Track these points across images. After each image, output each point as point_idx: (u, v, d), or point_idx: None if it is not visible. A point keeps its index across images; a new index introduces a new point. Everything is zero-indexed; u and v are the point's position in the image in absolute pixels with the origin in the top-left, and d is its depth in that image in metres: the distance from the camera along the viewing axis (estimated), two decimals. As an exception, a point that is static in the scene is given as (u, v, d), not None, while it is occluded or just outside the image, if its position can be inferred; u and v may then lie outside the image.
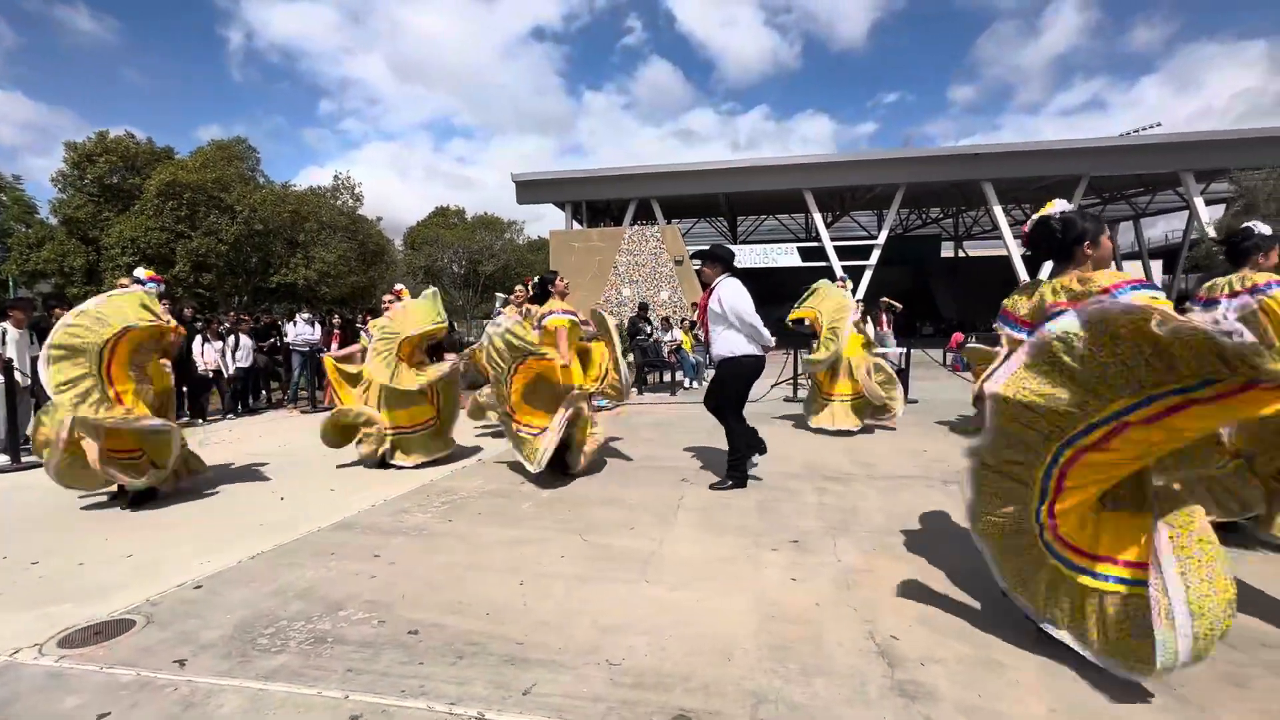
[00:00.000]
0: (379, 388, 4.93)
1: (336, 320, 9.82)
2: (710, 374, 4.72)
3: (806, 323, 6.56)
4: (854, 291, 18.79)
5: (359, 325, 5.69)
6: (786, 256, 22.03)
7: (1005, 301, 2.39)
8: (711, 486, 4.21)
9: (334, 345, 8.11)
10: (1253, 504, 2.89)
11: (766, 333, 4.18)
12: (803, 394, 8.65)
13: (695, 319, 9.99)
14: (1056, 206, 2.24)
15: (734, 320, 4.09)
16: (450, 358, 5.53)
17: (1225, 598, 1.68)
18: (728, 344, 4.16)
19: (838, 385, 6.21)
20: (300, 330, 9.38)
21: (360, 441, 4.96)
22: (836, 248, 20.64)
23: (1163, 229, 29.30)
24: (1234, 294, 3.01)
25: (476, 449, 5.77)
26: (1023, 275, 18.36)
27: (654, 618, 2.41)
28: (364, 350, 5.30)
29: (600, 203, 23.83)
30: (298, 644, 2.24)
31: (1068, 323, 1.82)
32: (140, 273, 4.32)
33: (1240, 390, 1.50)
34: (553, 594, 2.63)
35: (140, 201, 17.80)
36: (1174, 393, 1.64)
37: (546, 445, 4.23)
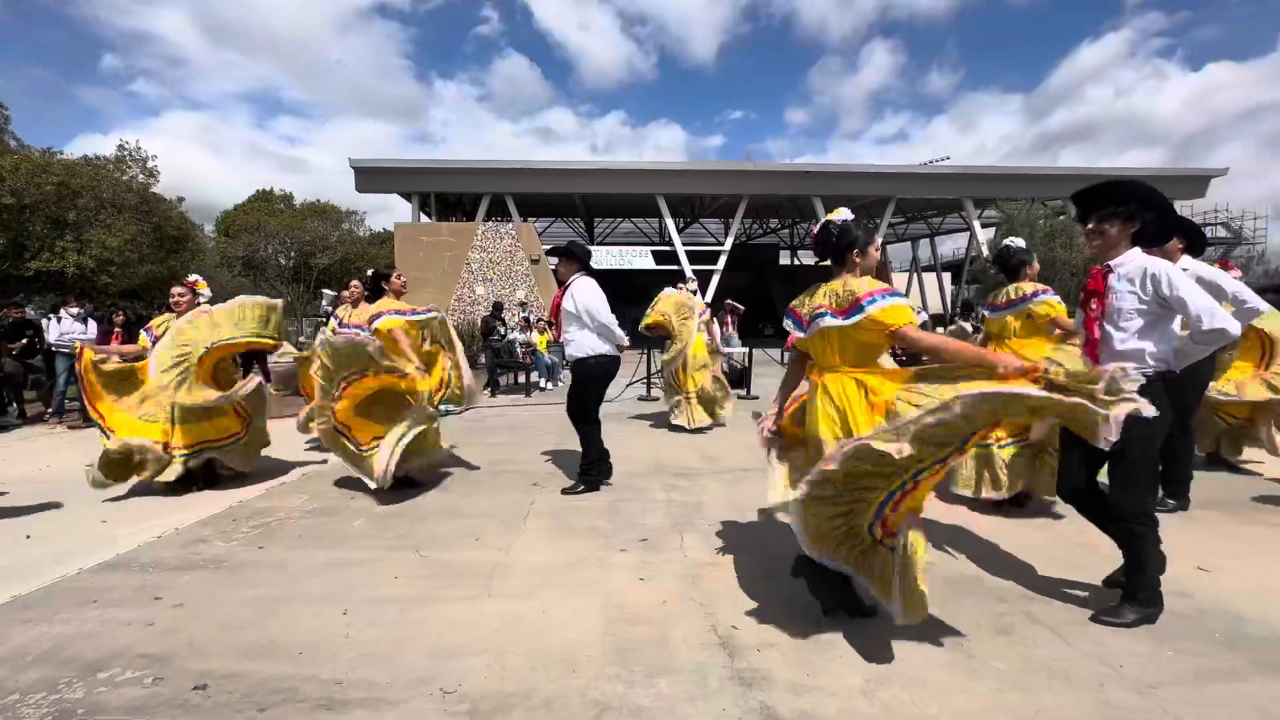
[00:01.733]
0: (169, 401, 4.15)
1: (120, 318, 8.24)
2: (567, 374, 4.63)
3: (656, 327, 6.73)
4: (702, 293, 19.83)
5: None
6: (641, 259, 22.60)
7: (794, 302, 2.47)
8: (563, 491, 4.12)
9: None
10: (1040, 488, 3.43)
11: (620, 332, 4.17)
12: (657, 393, 8.88)
13: (550, 318, 9.84)
14: (839, 214, 2.39)
15: (586, 319, 4.04)
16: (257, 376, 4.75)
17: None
18: (581, 344, 4.10)
19: (689, 380, 6.43)
20: (67, 328, 7.72)
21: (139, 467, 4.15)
22: (688, 252, 21.55)
23: (950, 246, 34.45)
24: (1010, 301, 3.55)
25: (301, 464, 5.12)
26: (846, 283, 20.53)
27: (495, 634, 2.27)
28: (141, 351, 4.35)
29: (451, 196, 22.65)
30: (32, 723, 1.78)
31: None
32: None
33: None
34: (381, 621, 2.37)
35: None
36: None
37: (387, 462, 3.84)
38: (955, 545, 3.09)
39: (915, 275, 32.32)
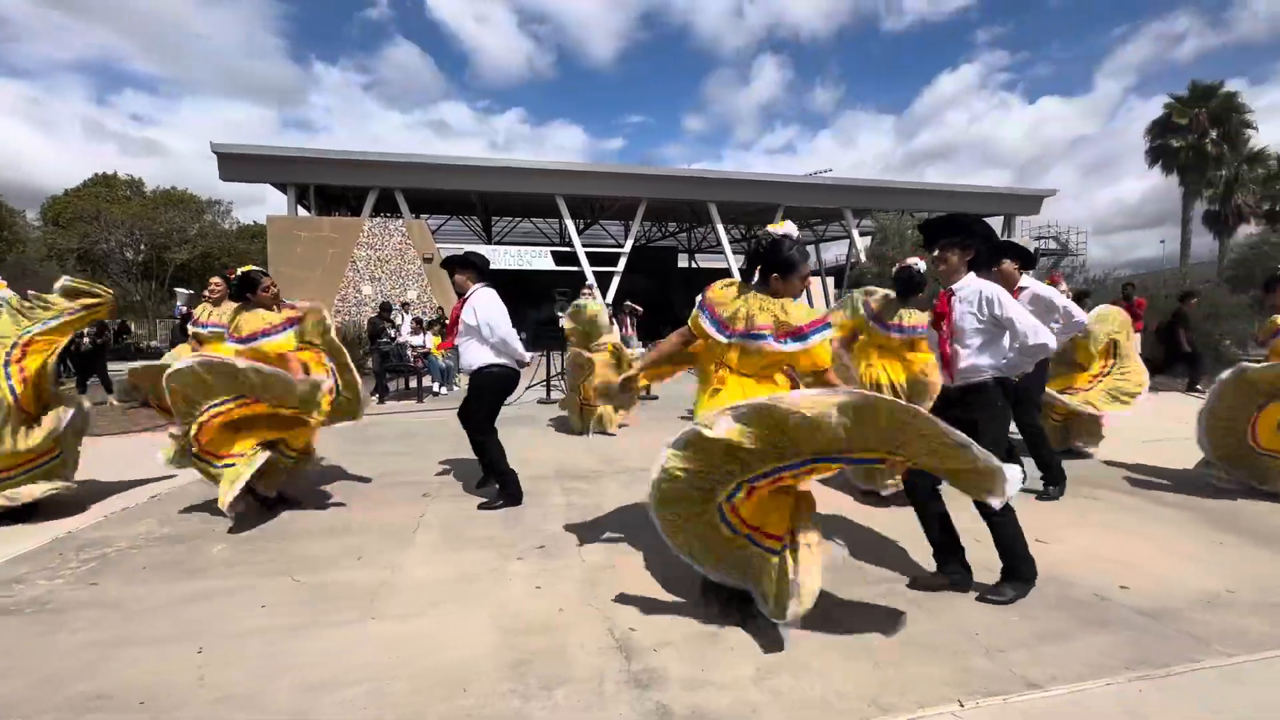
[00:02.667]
0: None
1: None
2: (461, 379, 4.40)
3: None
4: (601, 295, 19.89)
5: None
6: (541, 260, 22.25)
7: (710, 294, 2.49)
8: (480, 507, 3.85)
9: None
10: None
11: (520, 347, 3.97)
12: (556, 395, 8.77)
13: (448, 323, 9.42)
14: (782, 228, 2.42)
15: (487, 332, 3.84)
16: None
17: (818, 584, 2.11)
18: (478, 355, 3.89)
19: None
20: None
21: None
22: (588, 254, 21.52)
23: (834, 253, 36.93)
24: (903, 327, 3.81)
25: (151, 484, 4.51)
26: (740, 285, 21.43)
27: (378, 659, 2.11)
28: None
29: (333, 189, 21.08)
30: None
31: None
32: None
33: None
34: (244, 657, 2.13)
35: None
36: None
37: (240, 476, 3.42)
38: (836, 533, 3.29)
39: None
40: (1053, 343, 2.49)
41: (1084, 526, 3.40)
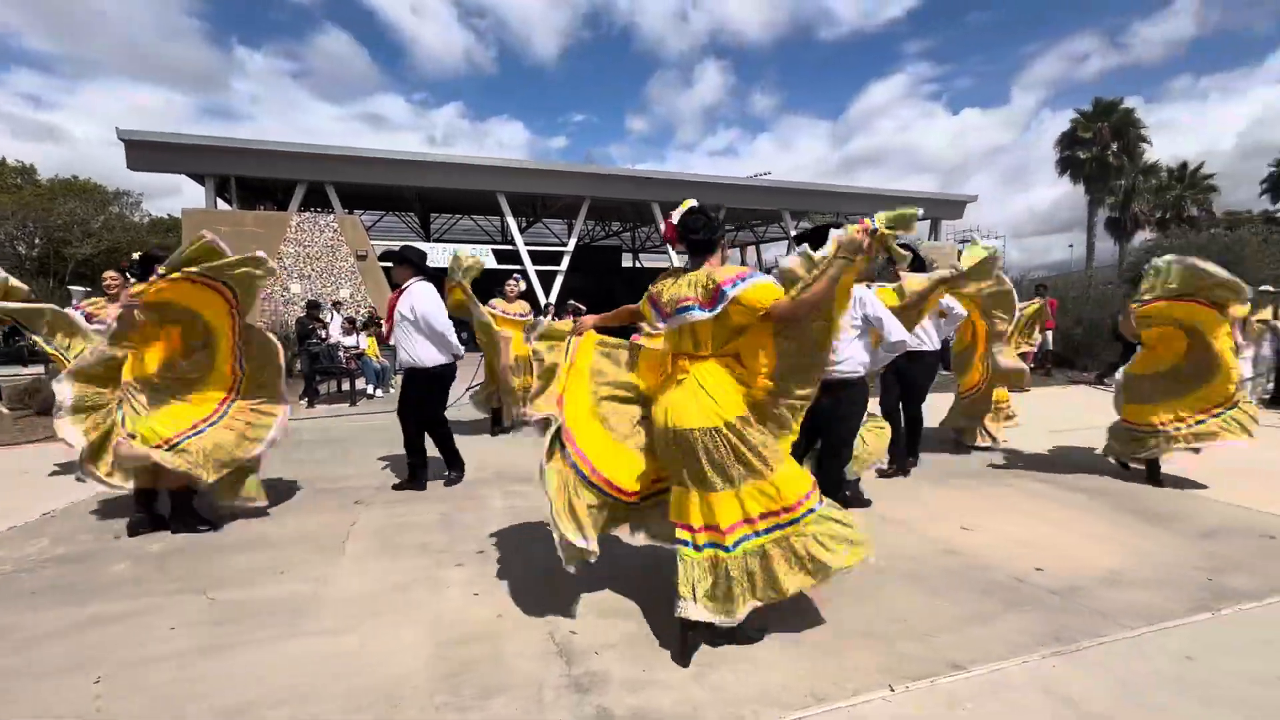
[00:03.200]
0: None
1: None
2: (397, 380, 4.43)
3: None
4: (546, 293, 19.66)
5: None
6: (481, 258, 21.81)
7: (652, 288, 2.35)
8: (447, 484, 4.23)
9: None
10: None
11: (456, 341, 4.12)
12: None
13: (381, 318, 9.05)
14: (693, 204, 2.32)
15: (424, 327, 3.94)
16: None
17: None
18: (416, 351, 4.01)
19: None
20: None
21: None
22: (530, 252, 21.20)
23: (774, 253, 37.90)
24: None
25: (44, 499, 4.11)
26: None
27: (302, 679, 1.99)
28: None
29: (256, 181, 19.89)
30: None
31: None
32: None
33: None
34: (149, 685, 1.97)
35: None
36: None
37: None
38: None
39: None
40: (910, 340, 2.97)
41: (1003, 513, 3.60)
